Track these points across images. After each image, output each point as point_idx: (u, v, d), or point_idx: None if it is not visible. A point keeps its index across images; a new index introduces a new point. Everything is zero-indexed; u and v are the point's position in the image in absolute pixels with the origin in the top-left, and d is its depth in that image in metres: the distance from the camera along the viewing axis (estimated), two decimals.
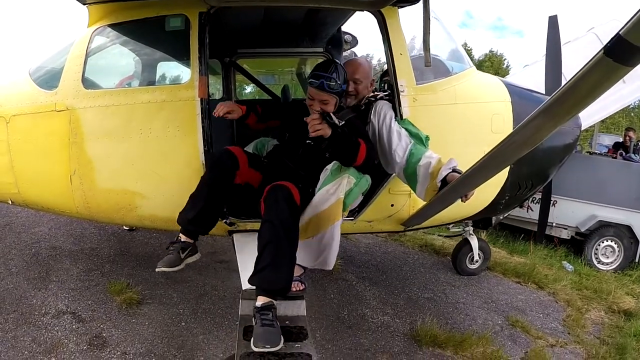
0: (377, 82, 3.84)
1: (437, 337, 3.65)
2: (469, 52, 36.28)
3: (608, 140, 11.32)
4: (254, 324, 2.23)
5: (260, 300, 2.32)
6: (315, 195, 2.58)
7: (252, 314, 2.29)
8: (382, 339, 3.65)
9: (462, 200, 2.77)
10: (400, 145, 2.86)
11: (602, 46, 1.38)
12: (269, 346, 2.10)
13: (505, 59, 39.63)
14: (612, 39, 1.35)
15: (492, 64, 35.87)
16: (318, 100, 2.74)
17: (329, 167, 2.64)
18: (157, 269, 2.65)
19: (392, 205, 3.28)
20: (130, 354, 3.20)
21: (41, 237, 5.21)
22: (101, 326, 3.50)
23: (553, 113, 1.71)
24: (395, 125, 2.92)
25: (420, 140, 2.90)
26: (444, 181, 2.66)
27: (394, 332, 3.78)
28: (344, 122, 2.72)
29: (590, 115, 6.95)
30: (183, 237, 2.82)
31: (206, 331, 3.49)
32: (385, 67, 3.66)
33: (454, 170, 2.68)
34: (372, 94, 3.13)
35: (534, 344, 3.91)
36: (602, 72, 1.46)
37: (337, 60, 2.90)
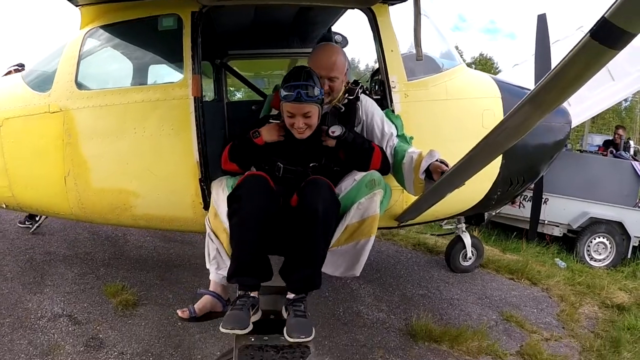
0: (367, 81, 3.87)
1: (432, 332, 3.68)
2: (460, 55, 36.58)
3: (599, 140, 11.44)
4: (285, 316, 2.25)
5: (292, 294, 2.32)
6: (350, 210, 2.43)
7: (283, 306, 2.31)
8: (378, 335, 3.68)
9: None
10: (387, 143, 2.80)
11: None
12: (303, 336, 2.09)
13: (495, 62, 40.03)
14: (597, 21, 1.36)
15: (483, 68, 36.17)
16: (299, 115, 2.43)
17: (358, 177, 2.48)
18: (223, 329, 2.13)
19: None
20: (127, 354, 3.21)
21: (35, 243, 5.20)
22: (97, 328, 3.50)
23: (540, 100, 1.73)
24: (386, 126, 2.83)
25: (404, 139, 2.87)
26: (428, 172, 2.55)
27: (389, 328, 3.81)
28: (345, 130, 2.56)
29: (581, 112, 7.04)
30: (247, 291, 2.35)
31: (202, 330, 3.48)
32: (376, 65, 3.70)
33: (438, 160, 2.57)
34: (346, 87, 2.84)
35: (529, 338, 3.95)
36: (589, 56, 1.47)
37: (305, 65, 2.61)
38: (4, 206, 3.65)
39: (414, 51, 3.00)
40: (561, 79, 1.62)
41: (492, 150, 2.24)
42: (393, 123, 2.90)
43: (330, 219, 2.33)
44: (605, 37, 1.39)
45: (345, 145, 2.58)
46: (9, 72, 6.09)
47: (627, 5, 1.27)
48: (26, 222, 5.72)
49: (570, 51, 1.50)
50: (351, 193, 2.44)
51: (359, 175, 2.49)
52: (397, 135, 2.88)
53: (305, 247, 2.29)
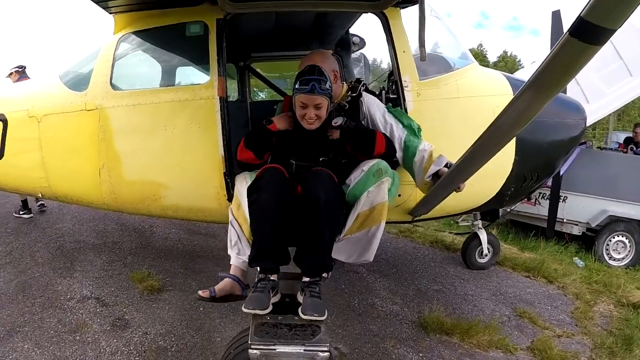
0: (384, 81, 4.00)
1: (444, 325, 3.76)
2: (483, 53, 36.17)
3: (624, 138, 11.19)
4: (300, 299, 2.42)
5: (307, 277, 2.49)
6: (360, 199, 2.58)
7: (299, 290, 2.47)
8: (391, 326, 3.80)
9: (456, 191, 2.83)
10: (394, 136, 2.95)
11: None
12: (316, 315, 2.26)
13: (519, 60, 39.48)
14: (575, 20, 1.47)
15: (507, 65, 35.67)
16: (312, 105, 2.65)
17: (365, 167, 2.63)
18: (245, 309, 2.30)
19: (399, 195, 3.38)
20: (151, 334, 3.42)
21: (65, 232, 5.53)
22: (124, 310, 3.74)
23: (531, 96, 1.86)
24: (387, 117, 2.99)
25: (412, 131, 2.99)
26: (436, 175, 2.77)
27: (402, 319, 3.92)
28: (346, 120, 2.77)
29: (600, 108, 6.96)
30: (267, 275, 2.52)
31: (223, 315, 3.70)
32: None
33: (445, 166, 2.77)
34: (346, 86, 3.10)
35: (541, 334, 3.97)
36: (571, 53, 1.57)
37: (317, 64, 2.75)
38: (40, 195, 3.93)
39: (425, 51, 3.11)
40: (549, 74, 1.73)
41: (498, 139, 2.33)
42: (396, 117, 3.03)
43: (332, 206, 2.47)
44: (584, 35, 1.50)
45: (348, 133, 2.76)
46: (11, 74, 6.48)
47: (599, 4, 1.40)
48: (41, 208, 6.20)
49: (553, 48, 1.61)
50: (360, 183, 2.61)
51: (366, 166, 2.65)
52: (404, 126, 3.01)
53: (312, 234, 2.45)
